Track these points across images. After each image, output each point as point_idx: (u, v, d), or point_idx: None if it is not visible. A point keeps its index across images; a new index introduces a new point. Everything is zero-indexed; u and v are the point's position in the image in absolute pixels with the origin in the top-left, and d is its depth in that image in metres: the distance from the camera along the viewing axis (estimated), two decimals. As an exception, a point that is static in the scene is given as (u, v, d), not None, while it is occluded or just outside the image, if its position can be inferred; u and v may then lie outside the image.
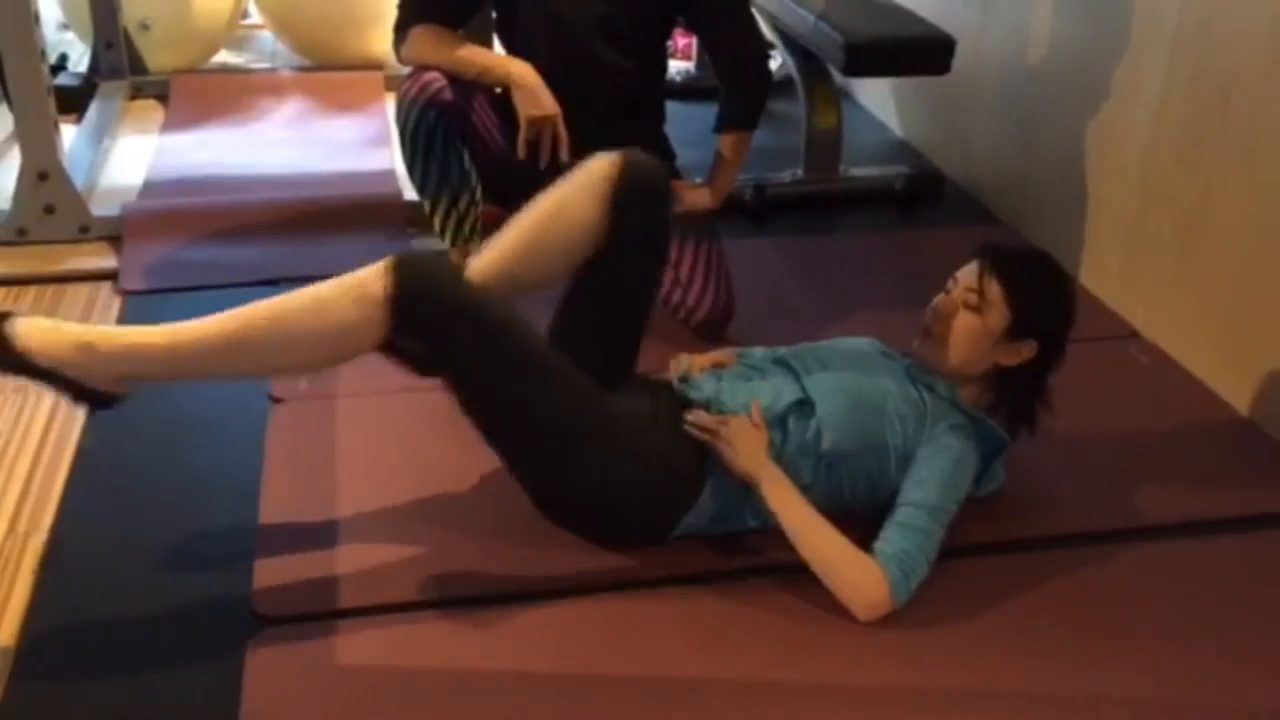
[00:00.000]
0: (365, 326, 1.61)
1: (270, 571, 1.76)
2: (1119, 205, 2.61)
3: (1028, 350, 1.84)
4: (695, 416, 1.81)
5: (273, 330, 1.62)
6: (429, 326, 1.63)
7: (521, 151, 2.30)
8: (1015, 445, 1.92)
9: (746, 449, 1.76)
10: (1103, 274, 2.69)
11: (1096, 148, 2.69)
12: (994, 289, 1.82)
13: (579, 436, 1.73)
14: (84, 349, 1.59)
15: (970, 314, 1.83)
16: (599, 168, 1.82)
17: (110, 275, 2.66)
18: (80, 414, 2.14)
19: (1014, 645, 1.67)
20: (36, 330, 1.60)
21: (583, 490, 1.77)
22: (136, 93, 3.77)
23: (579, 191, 1.82)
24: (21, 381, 1.63)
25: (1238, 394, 2.27)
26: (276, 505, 1.90)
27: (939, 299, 1.88)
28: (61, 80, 3.63)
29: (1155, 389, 2.35)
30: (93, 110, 3.50)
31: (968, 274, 1.86)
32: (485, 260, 1.81)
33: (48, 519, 1.88)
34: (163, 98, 3.75)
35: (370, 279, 1.62)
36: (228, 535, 1.84)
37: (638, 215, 1.83)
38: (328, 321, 1.62)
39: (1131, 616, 1.74)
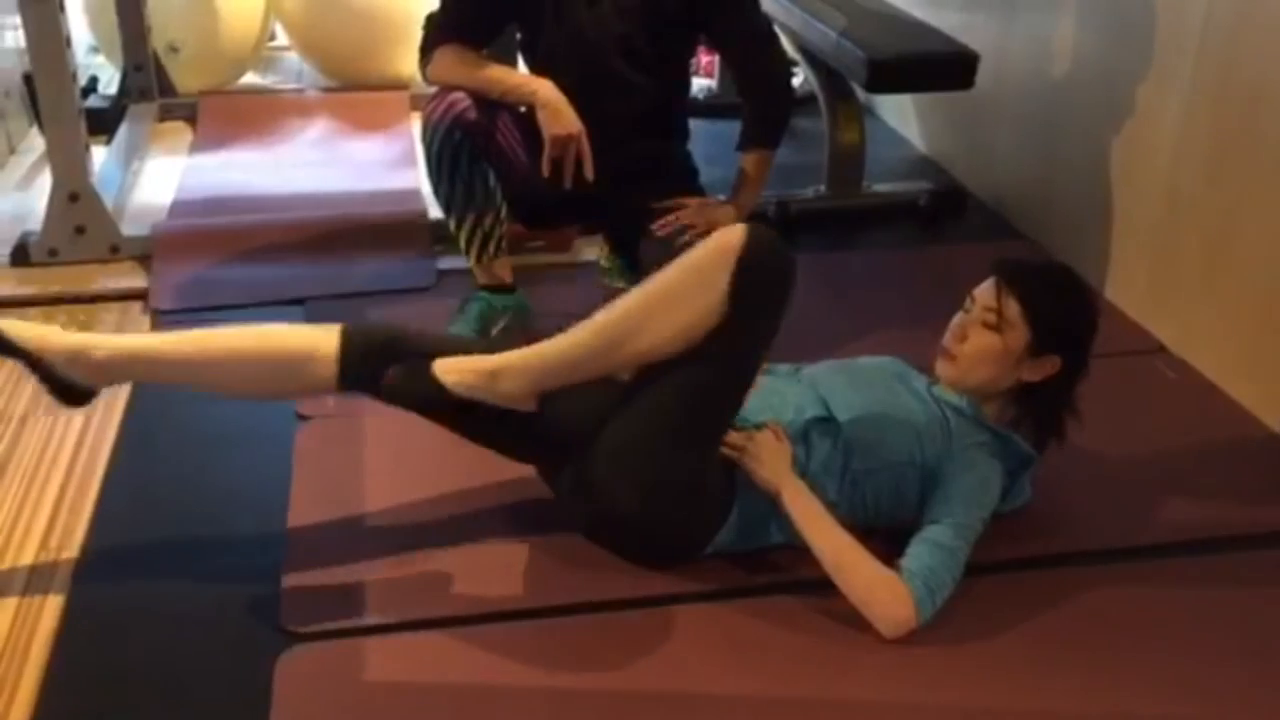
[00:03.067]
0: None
1: (298, 587, 1.77)
2: (1145, 219, 2.61)
3: (1051, 365, 1.83)
4: (719, 434, 1.81)
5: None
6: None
7: (546, 170, 2.31)
8: (1041, 459, 1.91)
9: (771, 463, 1.76)
10: (1129, 288, 2.68)
11: (1122, 162, 2.68)
12: (1012, 307, 1.81)
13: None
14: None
15: (990, 333, 1.83)
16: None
17: (140, 295, 2.69)
18: (110, 432, 2.16)
19: (1040, 662, 1.66)
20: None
21: (639, 512, 1.76)
22: (165, 114, 3.81)
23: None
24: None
25: (1267, 409, 2.26)
26: (304, 522, 1.92)
27: (957, 319, 1.88)
28: (92, 103, 3.67)
29: (1183, 404, 2.34)
30: (122, 132, 3.53)
31: (985, 293, 1.86)
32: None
33: (79, 536, 1.90)
34: (191, 119, 3.79)
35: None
36: (256, 552, 1.86)
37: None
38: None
39: (1159, 634, 1.73)
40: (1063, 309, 1.84)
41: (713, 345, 1.68)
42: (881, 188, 3.29)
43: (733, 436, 1.80)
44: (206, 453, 2.11)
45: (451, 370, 1.72)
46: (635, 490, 1.74)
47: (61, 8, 2.69)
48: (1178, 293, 2.50)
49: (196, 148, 3.57)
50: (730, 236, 1.68)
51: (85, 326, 2.56)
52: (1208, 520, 1.98)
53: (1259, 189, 2.24)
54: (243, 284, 2.72)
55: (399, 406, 1.79)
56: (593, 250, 2.89)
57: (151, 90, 3.79)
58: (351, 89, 3.99)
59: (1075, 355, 1.84)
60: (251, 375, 1.77)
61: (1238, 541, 1.93)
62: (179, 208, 3.14)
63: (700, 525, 1.80)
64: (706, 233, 2.33)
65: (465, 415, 1.77)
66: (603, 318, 1.71)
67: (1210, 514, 1.99)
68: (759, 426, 1.82)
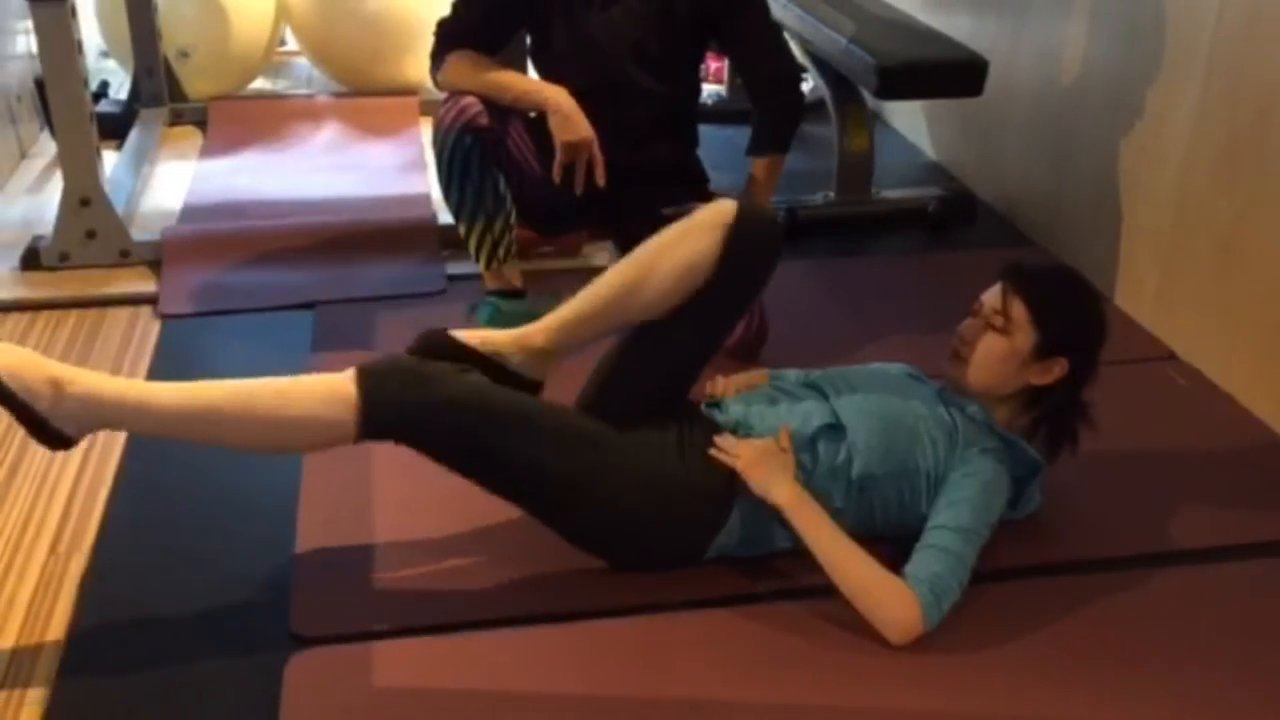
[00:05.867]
0: (334, 427, 1.67)
1: (308, 593, 1.77)
2: (1154, 226, 2.60)
3: (1059, 369, 1.83)
4: (722, 440, 1.81)
5: (241, 415, 1.66)
6: (398, 432, 1.70)
7: (556, 176, 2.32)
8: (1053, 466, 1.91)
9: (773, 473, 1.76)
10: (1139, 295, 2.67)
11: (1131, 168, 2.68)
12: (1018, 310, 1.82)
13: (584, 482, 1.74)
14: (55, 385, 1.59)
15: (997, 336, 1.83)
16: (719, 210, 1.83)
17: (150, 299, 2.70)
18: (120, 436, 2.16)
19: (1047, 670, 1.66)
20: (14, 356, 1.59)
21: (605, 526, 1.78)
22: (176, 119, 3.82)
23: (697, 229, 1.82)
24: None
25: (1277, 417, 2.25)
26: (314, 527, 1.92)
27: (965, 323, 1.88)
28: (103, 107, 3.68)
29: (1193, 411, 2.33)
30: (133, 136, 3.54)
31: (992, 296, 1.86)
32: (598, 288, 1.84)
33: (88, 540, 1.90)
34: (201, 124, 3.80)
35: (340, 385, 1.67)
36: (266, 557, 1.86)
37: (747, 261, 1.83)
38: (294, 415, 1.66)
39: (1167, 642, 1.72)
40: (1069, 310, 1.84)
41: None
42: (891, 194, 3.29)
43: (732, 444, 1.80)
44: (215, 456, 2.10)
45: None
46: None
47: (73, 12, 2.70)
48: (1188, 299, 2.50)
49: (207, 153, 3.58)
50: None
51: (94, 331, 2.57)
52: (1219, 527, 1.97)
53: (1269, 195, 2.23)
54: (253, 288, 2.73)
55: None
56: (602, 255, 2.89)
57: (162, 95, 3.80)
58: (361, 94, 4.00)
59: (1083, 357, 1.84)
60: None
61: (1249, 549, 1.93)
62: (189, 212, 3.15)
63: (692, 528, 1.80)
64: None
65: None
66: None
67: (1222, 521, 1.99)
68: (762, 435, 1.82)
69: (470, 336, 1.83)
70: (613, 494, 1.75)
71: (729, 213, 1.82)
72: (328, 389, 1.67)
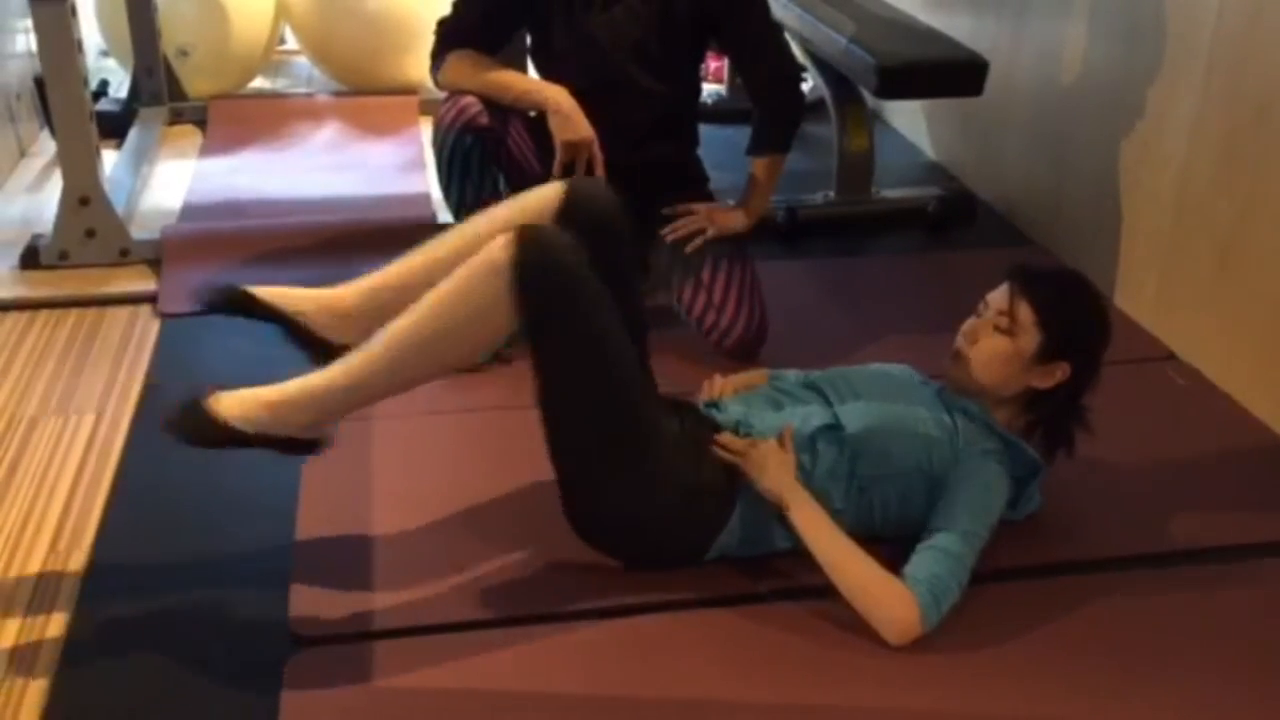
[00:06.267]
0: (496, 302, 1.64)
1: (307, 592, 1.77)
2: (1154, 227, 2.60)
3: (1061, 372, 1.83)
4: (723, 439, 1.81)
5: (424, 344, 1.67)
6: (540, 287, 1.64)
7: (557, 175, 2.31)
8: (1051, 468, 1.91)
9: (774, 472, 1.76)
10: (1139, 295, 2.67)
11: (1131, 169, 2.68)
12: (1024, 312, 1.81)
13: (633, 438, 1.72)
14: (269, 407, 1.67)
15: (1001, 337, 1.82)
16: (548, 190, 1.85)
17: (150, 298, 2.69)
18: (120, 434, 2.16)
19: (1046, 671, 1.66)
20: (234, 401, 1.68)
21: (622, 506, 1.76)
22: (175, 118, 3.82)
23: (525, 210, 1.84)
24: (233, 449, 1.70)
25: (1276, 417, 2.25)
26: (313, 526, 1.92)
27: (969, 323, 1.88)
28: (102, 106, 3.68)
29: (1192, 412, 2.33)
30: (133, 136, 3.54)
31: (998, 297, 1.86)
32: (417, 256, 1.86)
33: (88, 538, 1.90)
34: (201, 123, 3.80)
35: (491, 255, 1.64)
36: (265, 556, 1.86)
37: (592, 235, 1.75)
38: (464, 314, 1.65)
39: (1167, 643, 1.72)
40: (1075, 315, 1.84)
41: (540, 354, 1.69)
42: (891, 194, 3.29)
43: (733, 442, 1.80)
44: (215, 455, 2.10)
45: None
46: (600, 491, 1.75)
47: (73, 11, 2.70)
48: (1188, 300, 2.50)
49: (206, 152, 3.58)
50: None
51: (94, 330, 2.57)
52: (1218, 528, 1.97)
53: (1269, 196, 2.23)
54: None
55: None
56: (602, 255, 2.88)
57: (162, 94, 3.80)
58: (361, 93, 4.00)
59: (1085, 362, 1.84)
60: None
61: (1248, 550, 1.93)
62: (189, 211, 3.15)
63: (695, 527, 1.80)
64: (715, 237, 2.37)
65: None
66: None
67: (1221, 522, 1.99)
68: (763, 434, 1.82)
69: (269, 293, 1.81)
70: (652, 469, 1.74)
71: (557, 193, 1.83)
72: (474, 272, 1.65)
